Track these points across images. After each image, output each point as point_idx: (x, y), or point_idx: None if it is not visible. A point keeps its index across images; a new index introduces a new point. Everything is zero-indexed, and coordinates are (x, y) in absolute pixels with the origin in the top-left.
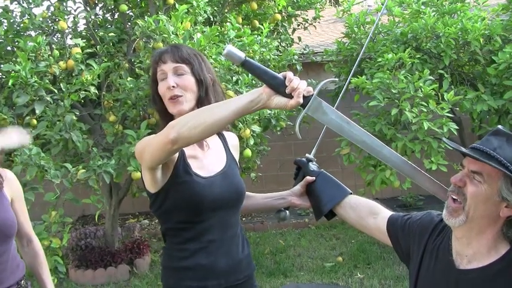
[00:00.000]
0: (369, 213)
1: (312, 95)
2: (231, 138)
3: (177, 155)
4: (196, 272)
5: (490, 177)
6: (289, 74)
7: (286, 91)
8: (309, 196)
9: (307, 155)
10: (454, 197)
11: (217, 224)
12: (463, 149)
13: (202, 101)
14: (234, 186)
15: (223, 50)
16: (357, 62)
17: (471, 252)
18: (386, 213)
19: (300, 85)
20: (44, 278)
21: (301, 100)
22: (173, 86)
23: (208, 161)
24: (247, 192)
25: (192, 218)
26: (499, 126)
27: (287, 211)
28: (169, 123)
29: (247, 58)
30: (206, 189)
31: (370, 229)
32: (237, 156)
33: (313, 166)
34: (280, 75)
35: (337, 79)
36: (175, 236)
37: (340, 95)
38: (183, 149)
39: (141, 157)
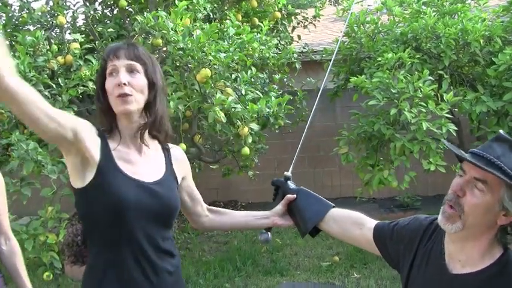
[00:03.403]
0: (352, 224)
1: None
2: (176, 151)
3: (97, 148)
4: (115, 285)
5: (493, 185)
6: None
7: None
8: (291, 214)
9: (285, 173)
10: (451, 204)
11: (141, 237)
12: (467, 156)
13: (150, 105)
14: (165, 200)
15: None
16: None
17: (464, 257)
18: (371, 223)
19: None
20: (23, 277)
21: None
22: (124, 84)
23: (144, 169)
24: (223, 209)
25: (114, 224)
26: (501, 132)
27: (269, 233)
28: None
29: None
30: (132, 194)
31: (357, 240)
32: (181, 171)
33: (291, 184)
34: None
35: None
36: (95, 245)
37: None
38: (112, 150)
39: None
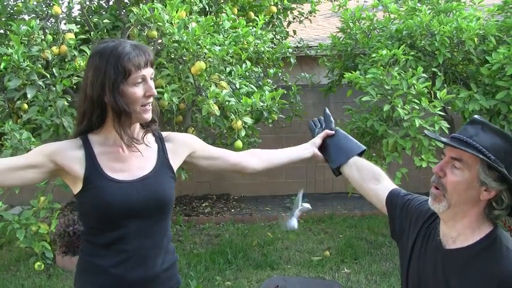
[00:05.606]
0: (371, 177)
1: None
2: (170, 136)
3: (79, 163)
4: (106, 281)
5: (469, 163)
6: None
7: None
8: (323, 150)
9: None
10: (435, 186)
11: (133, 233)
12: (442, 139)
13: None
14: (155, 194)
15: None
16: None
17: (455, 233)
18: (388, 183)
19: None
20: None
21: None
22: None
23: (133, 165)
24: (262, 151)
25: (103, 225)
26: (475, 116)
27: (296, 220)
28: None
29: None
30: (117, 195)
31: (369, 194)
32: (181, 152)
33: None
34: None
35: None
36: (88, 242)
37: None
38: (97, 155)
39: None
